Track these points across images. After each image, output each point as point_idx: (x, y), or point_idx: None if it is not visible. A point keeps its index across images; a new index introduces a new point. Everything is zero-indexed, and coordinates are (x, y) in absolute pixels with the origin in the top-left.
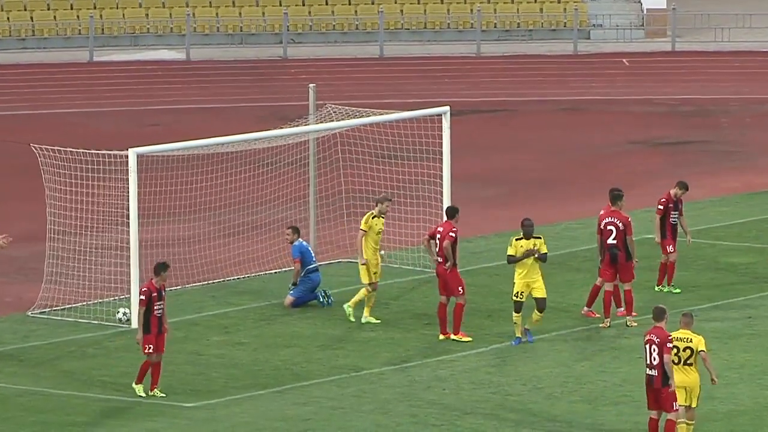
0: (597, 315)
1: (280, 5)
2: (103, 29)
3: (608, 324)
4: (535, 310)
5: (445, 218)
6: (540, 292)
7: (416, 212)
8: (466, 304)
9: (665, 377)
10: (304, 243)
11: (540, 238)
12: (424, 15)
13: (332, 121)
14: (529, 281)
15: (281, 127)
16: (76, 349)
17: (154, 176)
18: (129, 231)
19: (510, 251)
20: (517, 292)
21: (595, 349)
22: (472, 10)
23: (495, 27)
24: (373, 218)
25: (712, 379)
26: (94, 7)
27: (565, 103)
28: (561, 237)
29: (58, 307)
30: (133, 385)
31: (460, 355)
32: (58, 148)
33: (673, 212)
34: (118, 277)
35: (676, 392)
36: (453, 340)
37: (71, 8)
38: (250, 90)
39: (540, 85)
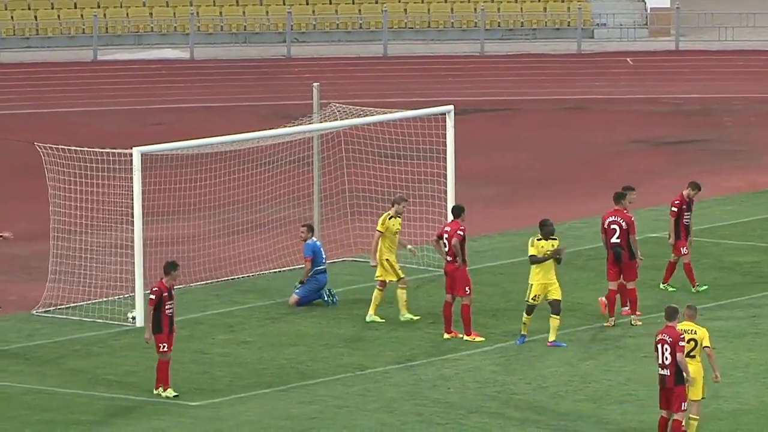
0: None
1: (284, 4)
2: (107, 28)
3: (613, 323)
4: (552, 316)
5: (450, 217)
6: (556, 293)
7: (420, 211)
8: (471, 304)
9: (678, 377)
10: (318, 243)
11: (556, 239)
12: (428, 14)
13: (336, 120)
14: (546, 283)
15: (285, 126)
16: (80, 347)
17: (158, 175)
18: (133, 229)
19: (532, 251)
20: (535, 296)
21: (600, 348)
22: (475, 9)
23: (499, 26)
24: (389, 219)
25: (716, 377)
26: (98, 6)
27: (569, 102)
28: (565, 236)
29: (63, 306)
30: (161, 392)
31: (465, 353)
32: (62, 146)
33: (686, 213)
34: (122, 275)
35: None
36: (465, 341)
37: (75, 7)
38: (253, 89)
39: (543, 84)
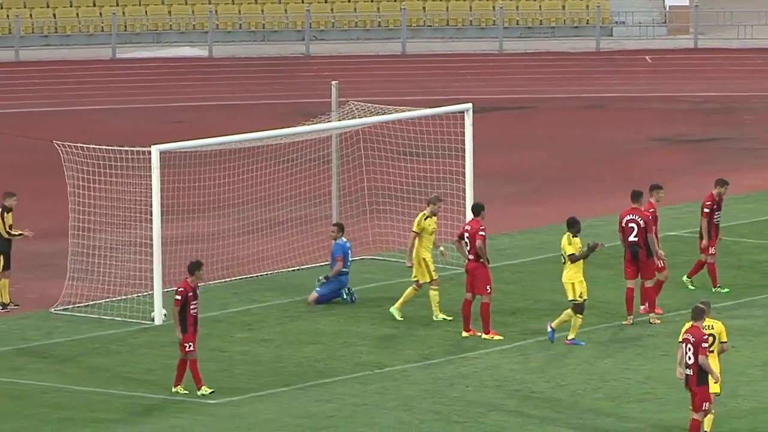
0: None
1: (303, 2)
2: (125, 26)
3: (631, 321)
4: (577, 315)
5: (470, 216)
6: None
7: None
8: (491, 302)
9: (701, 377)
10: (347, 243)
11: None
12: (447, 12)
13: (355, 118)
14: (581, 280)
15: (304, 124)
16: (99, 345)
17: (177, 173)
18: (152, 228)
19: (570, 250)
20: (581, 293)
21: (619, 346)
22: (494, 7)
23: (517, 24)
24: (425, 219)
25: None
26: (117, 5)
27: (588, 100)
28: (584, 234)
29: (82, 304)
30: (197, 392)
31: (484, 352)
32: (81, 144)
33: (717, 213)
34: (141, 273)
35: None
36: (484, 339)
37: (94, 5)
38: (272, 87)
39: (562, 82)
